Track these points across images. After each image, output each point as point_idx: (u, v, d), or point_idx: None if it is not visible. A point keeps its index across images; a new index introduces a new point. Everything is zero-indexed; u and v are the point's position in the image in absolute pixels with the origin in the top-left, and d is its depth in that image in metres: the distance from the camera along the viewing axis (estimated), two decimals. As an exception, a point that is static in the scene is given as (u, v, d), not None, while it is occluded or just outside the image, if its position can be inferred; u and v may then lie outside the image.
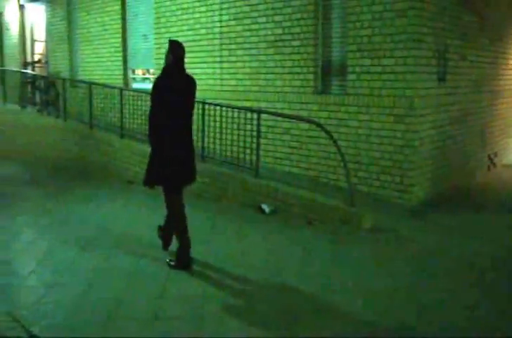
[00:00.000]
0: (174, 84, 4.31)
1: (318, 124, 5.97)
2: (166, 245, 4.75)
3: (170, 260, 4.39)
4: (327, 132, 5.79)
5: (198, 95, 7.82)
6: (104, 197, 7.33)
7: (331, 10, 6.83)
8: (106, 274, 4.22)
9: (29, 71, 12.45)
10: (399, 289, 3.96)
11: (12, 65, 13.60)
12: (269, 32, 7.39)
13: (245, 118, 6.64)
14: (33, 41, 13.68)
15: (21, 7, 13.78)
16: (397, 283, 4.07)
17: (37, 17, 13.29)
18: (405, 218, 5.75)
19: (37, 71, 12.72)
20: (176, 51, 4.30)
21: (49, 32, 12.61)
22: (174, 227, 4.48)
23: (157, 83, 4.31)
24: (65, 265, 4.43)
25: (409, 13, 5.94)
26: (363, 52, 6.36)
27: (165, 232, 4.74)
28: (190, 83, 4.46)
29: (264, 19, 7.46)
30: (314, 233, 5.33)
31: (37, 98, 11.76)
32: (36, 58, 13.29)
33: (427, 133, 6.32)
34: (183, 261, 4.30)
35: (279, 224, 5.66)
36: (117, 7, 10.30)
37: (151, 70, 9.85)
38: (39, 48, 13.55)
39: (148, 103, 8.06)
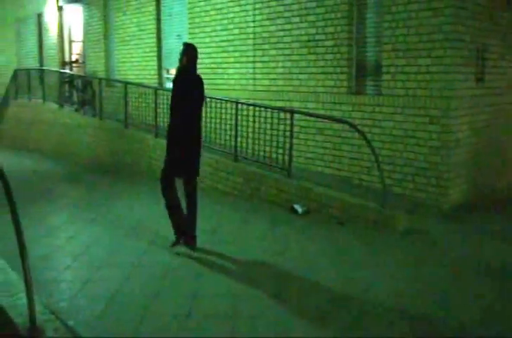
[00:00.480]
0: (189, 82, 4.71)
1: (352, 125, 5.94)
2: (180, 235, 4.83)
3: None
4: (361, 133, 5.76)
5: (232, 94, 8.02)
6: (139, 194, 7.49)
7: (366, 9, 6.78)
8: (142, 270, 4.33)
9: (67, 71, 12.78)
10: (429, 292, 3.92)
11: (51, 65, 13.97)
12: (303, 32, 7.38)
13: (278, 118, 6.66)
14: (71, 41, 14.02)
15: (60, 8, 14.13)
16: (428, 286, 4.02)
17: (75, 18, 13.60)
18: (440, 221, 5.67)
19: (75, 71, 13.04)
20: (190, 52, 4.70)
21: (86, 32, 12.89)
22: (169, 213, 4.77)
23: (176, 82, 4.70)
24: (101, 260, 4.57)
25: (446, 12, 5.84)
26: (398, 52, 6.29)
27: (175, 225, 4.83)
28: (199, 83, 4.81)
29: (297, 19, 7.45)
30: (346, 234, 5.33)
31: (75, 98, 12.06)
32: (74, 58, 13.61)
33: (464, 134, 6.21)
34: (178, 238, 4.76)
35: (311, 225, 5.67)
36: (152, 8, 10.46)
37: (185, 70, 9.97)
38: (77, 48, 13.87)
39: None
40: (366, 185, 6.55)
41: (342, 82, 6.96)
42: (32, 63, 15.36)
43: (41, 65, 14.66)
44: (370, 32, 6.75)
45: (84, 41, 13.21)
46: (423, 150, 6.11)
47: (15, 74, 14.61)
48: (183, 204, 4.82)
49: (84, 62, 13.13)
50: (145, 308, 3.57)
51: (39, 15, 15.11)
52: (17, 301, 3.41)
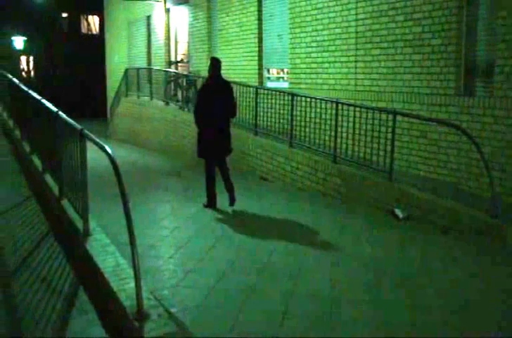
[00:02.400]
0: (212, 88, 6.06)
1: (460, 128, 5.66)
2: (212, 203, 6.24)
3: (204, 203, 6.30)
4: (469, 137, 5.47)
5: (332, 94, 7.98)
6: (240, 192, 7.65)
7: (477, 5, 6.40)
8: (240, 265, 4.43)
9: (172, 70, 13.42)
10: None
11: (158, 65, 14.76)
12: (407, 31, 7.13)
13: (380, 119, 6.51)
14: (176, 42, 14.71)
15: (167, 10, 14.87)
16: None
17: (181, 20, 14.23)
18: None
19: (180, 70, 13.66)
20: (213, 65, 6.09)
21: (191, 33, 13.45)
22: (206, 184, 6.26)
23: (202, 87, 6.17)
24: (202, 253, 4.73)
25: None
26: (514, 50, 5.87)
27: (207, 193, 6.25)
28: (224, 87, 6.17)
29: (402, 17, 7.21)
30: (451, 244, 5.09)
31: (179, 96, 12.64)
32: (179, 57, 14.27)
33: None
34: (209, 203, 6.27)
35: (413, 231, 5.49)
36: (254, 8, 10.66)
37: (285, 70, 10.06)
38: (182, 48, 14.52)
39: (282, 101, 8.31)
40: (474, 193, 6.18)
41: (449, 83, 6.64)
42: (141, 62, 16.33)
43: (149, 65, 15.54)
44: (481, 29, 6.37)
45: (188, 42, 13.80)
46: (540, 157, 5.66)
47: (126, 72, 15.62)
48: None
49: (188, 61, 13.71)
50: (243, 301, 3.66)
51: (148, 18, 16.01)
52: (125, 285, 3.62)
